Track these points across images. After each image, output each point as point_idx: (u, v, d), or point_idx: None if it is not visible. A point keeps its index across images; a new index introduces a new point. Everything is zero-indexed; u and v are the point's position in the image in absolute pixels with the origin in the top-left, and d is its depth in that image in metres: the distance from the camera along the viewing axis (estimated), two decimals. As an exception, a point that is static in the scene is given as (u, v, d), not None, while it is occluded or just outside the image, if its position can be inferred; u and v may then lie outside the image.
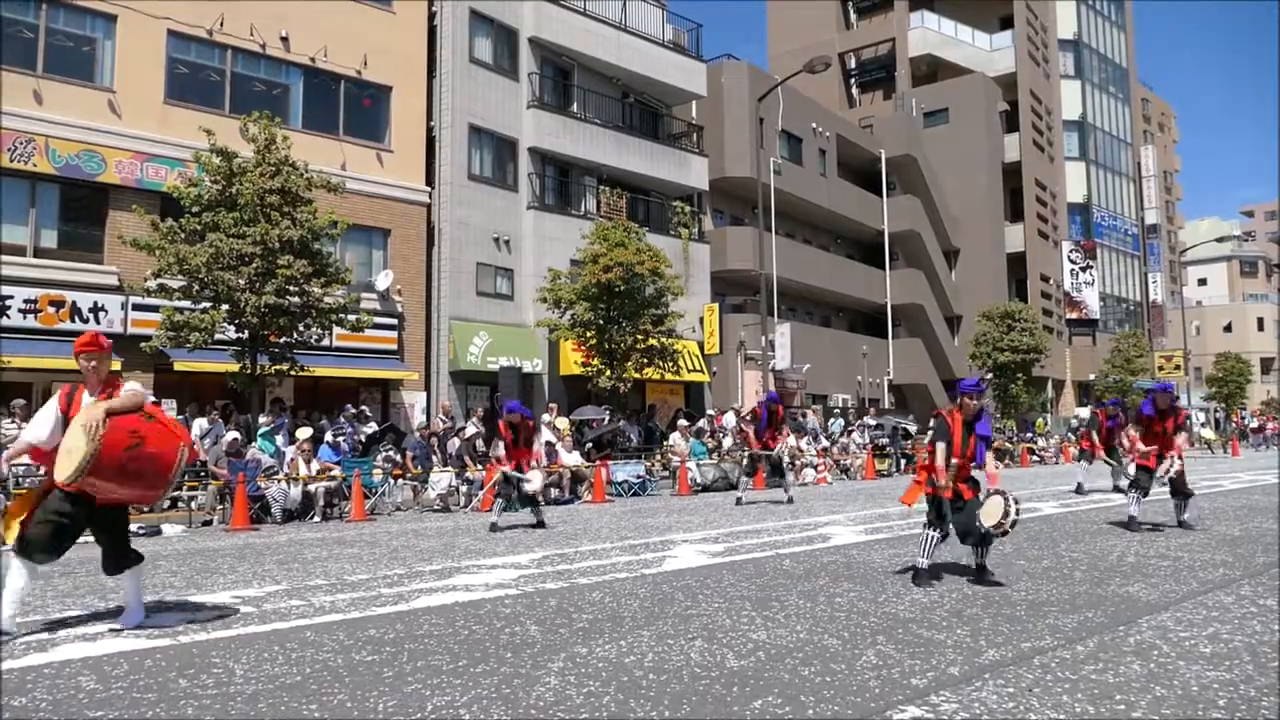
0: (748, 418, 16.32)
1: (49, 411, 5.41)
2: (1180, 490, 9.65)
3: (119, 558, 5.47)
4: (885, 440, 23.49)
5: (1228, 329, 77.39)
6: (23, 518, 5.31)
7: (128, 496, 5.46)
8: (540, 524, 11.18)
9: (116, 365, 16.16)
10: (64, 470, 5.11)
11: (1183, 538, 8.86)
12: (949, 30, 49.80)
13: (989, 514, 6.44)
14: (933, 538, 6.64)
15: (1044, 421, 34.08)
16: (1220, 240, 67.75)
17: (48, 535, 5.23)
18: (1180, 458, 9.58)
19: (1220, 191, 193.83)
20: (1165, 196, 72.82)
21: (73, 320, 16.59)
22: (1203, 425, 41.50)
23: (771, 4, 52.85)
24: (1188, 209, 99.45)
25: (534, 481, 11.40)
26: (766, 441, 14.40)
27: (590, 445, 17.78)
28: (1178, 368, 48.02)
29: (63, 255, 17.17)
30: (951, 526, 6.66)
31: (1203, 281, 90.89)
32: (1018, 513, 6.38)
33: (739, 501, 14.06)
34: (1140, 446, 9.72)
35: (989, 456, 6.82)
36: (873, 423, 24.37)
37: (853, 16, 52.13)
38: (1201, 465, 22.74)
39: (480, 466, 15.10)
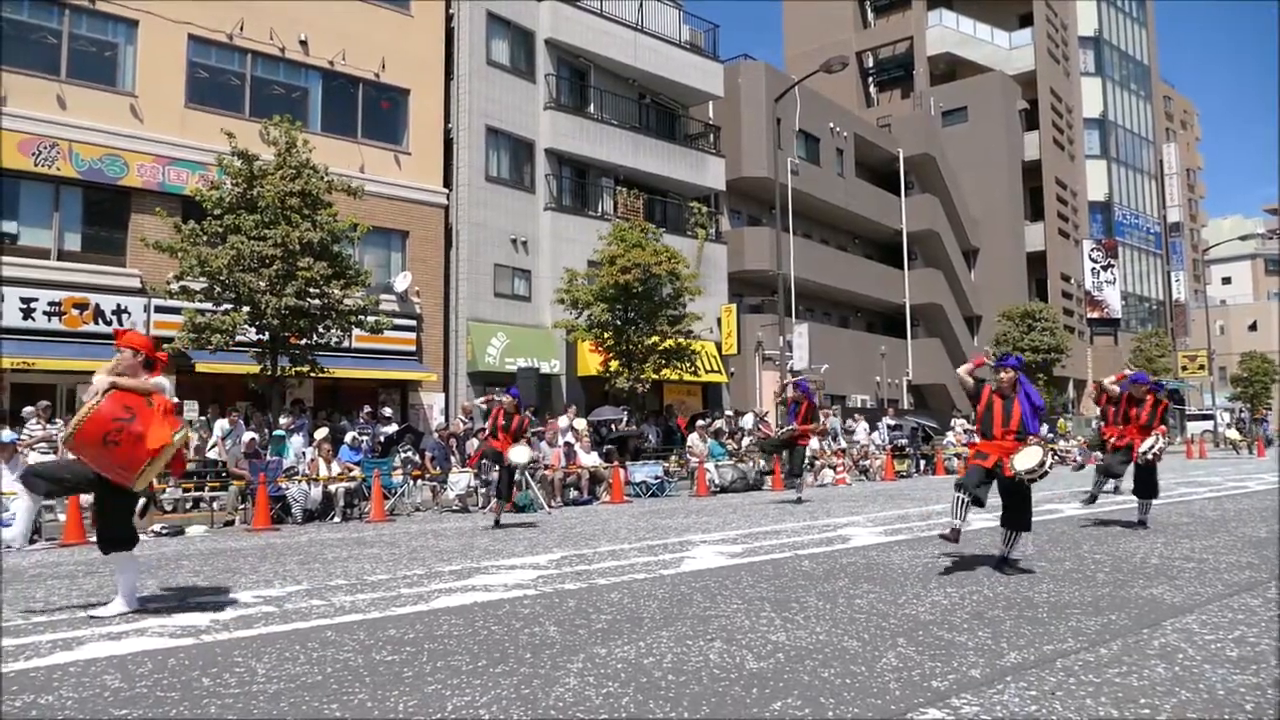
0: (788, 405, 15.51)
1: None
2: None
3: (109, 539, 5.84)
4: (904, 441, 23.36)
5: (1252, 328, 76.47)
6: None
7: (101, 467, 5.71)
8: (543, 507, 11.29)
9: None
10: (65, 430, 5.76)
11: (1208, 539, 8.76)
12: (967, 28, 49.52)
13: (1026, 459, 6.81)
14: (963, 500, 7.00)
15: (1065, 422, 33.73)
16: (1244, 238, 66.83)
17: (52, 473, 6.09)
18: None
19: (1244, 189, 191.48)
20: (1188, 194, 72.14)
21: (96, 323, 16.78)
22: (1228, 426, 40.97)
23: (788, 4, 52.72)
24: (1211, 207, 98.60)
25: (518, 455, 11.16)
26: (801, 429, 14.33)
27: (610, 447, 17.77)
28: (1201, 368, 47.44)
29: (86, 258, 17.37)
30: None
31: (1227, 280, 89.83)
32: (1050, 465, 6.94)
33: (799, 501, 14.00)
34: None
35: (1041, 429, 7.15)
36: (892, 423, 24.23)
37: (870, 15, 51.93)
38: (1226, 467, 22.47)
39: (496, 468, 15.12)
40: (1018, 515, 7.04)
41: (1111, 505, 12.69)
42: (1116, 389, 10.02)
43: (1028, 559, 7.57)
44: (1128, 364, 13.09)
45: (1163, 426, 9.87)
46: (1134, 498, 10.02)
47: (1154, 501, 10.00)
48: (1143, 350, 44.61)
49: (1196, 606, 5.60)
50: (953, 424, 26.82)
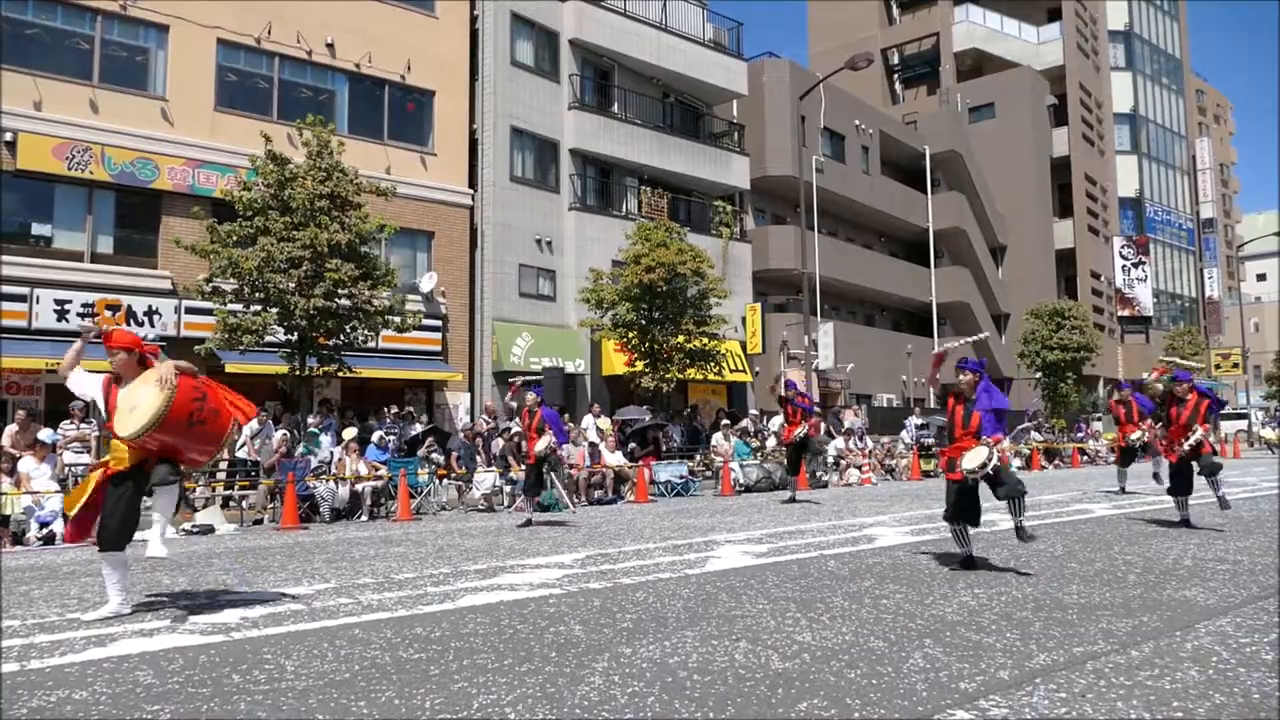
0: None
1: (96, 382, 6.07)
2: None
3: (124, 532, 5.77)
4: (931, 440, 23.17)
5: (1288, 325, 74.95)
6: (82, 504, 5.75)
7: (188, 454, 5.90)
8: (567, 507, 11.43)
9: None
10: (130, 426, 5.51)
11: (1243, 540, 8.61)
12: (994, 24, 48.99)
13: (972, 458, 6.93)
14: (958, 530, 7.20)
15: (1098, 422, 33.33)
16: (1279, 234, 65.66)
17: (119, 527, 5.70)
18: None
19: None
20: (1221, 190, 70.90)
21: (129, 324, 17.01)
22: (1263, 425, 40.26)
23: (813, 2, 52.45)
24: (1245, 202, 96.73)
25: (539, 442, 11.38)
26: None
27: (634, 445, 17.78)
28: (1235, 366, 46.65)
29: (119, 260, 17.63)
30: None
31: (1261, 277, 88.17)
32: (995, 459, 6.87)
33: (792, 499, 14.05)
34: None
35: (1001, 437, 7.12)
36: (919, 422, 24.04)
37: (895, 12, 51.54)
38: (1262, 466, 22.10)
39: (523, 467, 15.17)
40: (969, 511, 7.18)
41: (1142, 506, 12.51)
42: (1159, 385, 9.83)
43: (1056, 559, 7.49)
44: (1158, 361, 12.54)
45: (1205, 425, 9.59)
46: (1169, 496, 9.88)
47: (1189, 499, 9.82)
48: (1175, 348, 43.90)
49: (1231, 609, 5.51)
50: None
